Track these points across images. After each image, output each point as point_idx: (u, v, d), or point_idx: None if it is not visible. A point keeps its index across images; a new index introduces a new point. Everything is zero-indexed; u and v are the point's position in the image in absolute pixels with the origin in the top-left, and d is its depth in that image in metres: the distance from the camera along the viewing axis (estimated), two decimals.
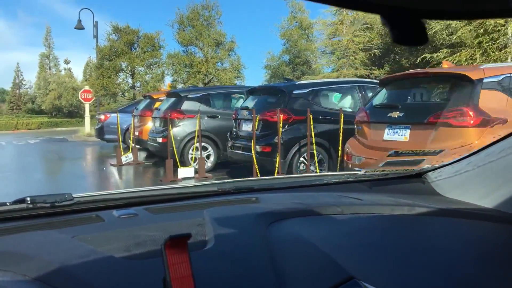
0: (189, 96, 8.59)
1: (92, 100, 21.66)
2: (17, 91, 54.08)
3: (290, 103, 6.49)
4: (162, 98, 10.17)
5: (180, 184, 1.49)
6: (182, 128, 8.38)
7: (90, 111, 20.83)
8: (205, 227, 0.93)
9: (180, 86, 21.02)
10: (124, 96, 21.42)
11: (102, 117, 13.33)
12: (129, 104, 14.63)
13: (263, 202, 1.22)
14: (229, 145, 7.37)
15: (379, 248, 0.92)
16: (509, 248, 0.99)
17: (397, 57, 19.61)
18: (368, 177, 1.52)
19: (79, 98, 21.77)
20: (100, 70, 20.07)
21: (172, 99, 8.83)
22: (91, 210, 1.11)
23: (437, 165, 1.45)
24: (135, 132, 10.17)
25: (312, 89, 6.83)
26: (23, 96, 52.43)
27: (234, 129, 7.44)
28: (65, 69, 44.89)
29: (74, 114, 40.05)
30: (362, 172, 1.60)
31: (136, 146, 9.99)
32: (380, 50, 18.76)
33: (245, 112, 7.12)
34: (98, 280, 0.70)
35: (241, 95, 8.89)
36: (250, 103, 7.33)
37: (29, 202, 1.04)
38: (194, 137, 8.08)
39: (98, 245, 0.83)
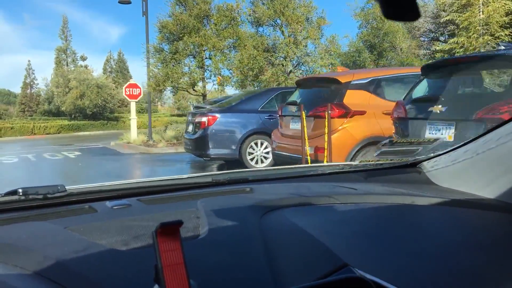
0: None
1: (140, 97, 18.45)
2: (28, 91, 48.70)
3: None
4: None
5: (174, 176, 1.51)
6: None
7: (119, 112, 15.57)
8: (198, 217, 0.98)
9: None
10: (195, 90, 16.00)
11: (204, 119, 9.31)
12: (248, 95, 10.36)
13: (257, 192, 1.28)
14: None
15: (374, 236, 0.97)
16: (509, 237, 1.01)
17: None
18: (363, 167, 1.58)
19: (124, 94, 18.04)
20: (162, 54, 14.48)
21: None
22: (84, 202, 1.15)
23: (432, 154, 1.48)
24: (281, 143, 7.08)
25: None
26: (36, 96, 47.10)
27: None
28: (81, 66, 39.35)
29: (98, 116, 34.55)
30: (357, 162, 1.69)
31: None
32: None
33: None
34: (91, 270, 0.74)
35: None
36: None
37: (21, 193, 1.07)
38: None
39: (91, 235, 0.87)
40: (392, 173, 1.53)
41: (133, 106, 17.74)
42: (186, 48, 15.02)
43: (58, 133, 34.52)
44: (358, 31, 23.58)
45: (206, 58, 15.68)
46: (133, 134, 17.12)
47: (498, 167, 1.22)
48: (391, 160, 1.64)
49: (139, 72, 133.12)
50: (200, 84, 16.69)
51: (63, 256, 0.78)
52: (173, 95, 17.31)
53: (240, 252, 0.84)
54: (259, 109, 8.91)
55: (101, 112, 37.45)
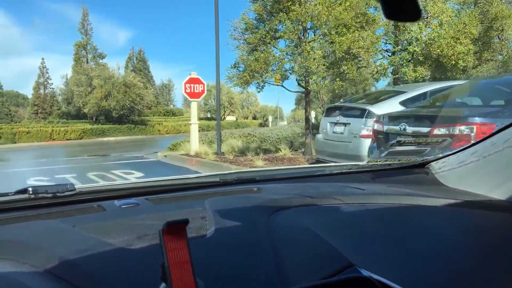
0: None
1: (203, 95, 14.86)
2: (42, 91, 44.91)
3: None
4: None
5: (182, 176, 1.58)
6: None
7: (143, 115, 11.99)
8: (206, 217, 1.03)
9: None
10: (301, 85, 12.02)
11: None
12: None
13: (264, 192, 1.33)
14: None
15: (381, 237, 1.02)
16: None
17: None
18: (371, 168, 1.64)
19: (183, 92, 14.52)
20: (256, 35, 10.22)
21: None
22: (93, 201, 1.20)
23: (440, 155, 1.55)
24: None
25: None
26: (50, 97, 43.36)
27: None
28: (102, 64, 35.45)
29: (124, 119, 30.43)
30: (364, 163, 1.76)
31: None
32: None
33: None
34: (100, 268, 0.78)
35: None
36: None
37: (31, 192, 1.11)
38: None
39: (100, 234, 0.91)
40: (400, 174, 1.59)
41: (194, 107, 14.85)
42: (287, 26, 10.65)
43: (80, 138, 31.16)
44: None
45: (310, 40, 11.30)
46: (194, 143, 14.30)
47: (507, 168, 1.28)
48: (399, 160, 1.69)
49: (159, 74, 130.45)
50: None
51: (72, 254, 0.82)
52: (258, 92, 12.94)
53: (247, 251, 0.89)
54: None
55: (128, 115, 33.29)
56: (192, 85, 14.42)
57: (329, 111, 8.89)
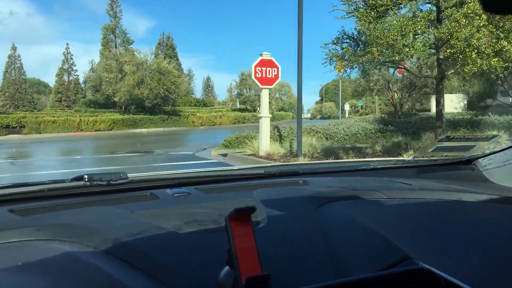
0: None
1: (277, 81, 12.19)
2: (66, 78, 43.10)
3: None
4: None
5: (227, 167, 1.55)
6: None
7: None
8: (256, 207, 0.99)
9: None
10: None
11: None
12: None
13: (310, 185, 1.37)
14: None
15: (430, 231, 1.05)
16: None
17: None
18: (416, 163, 1.68)
19: (253, 77, 11.93)
20: None
21: None
22: (145, 189, 1.27)
23: (487, 151, 1.57)
24: None
25: None
26: (75, 84, 41.51)
27: None
28: (129, 50, 33.03)
29: (156, 109, 27.92)
30: (410, 158, 1.83)
31: None
32: None
33: None
34: (158, 252, 0.83)
35: None
36: None
37: (86, 180, 1.19)
38: None
39: (157, 220, 0.97)
40: (446, 170, 1.60)
41: (266, 96, 12.39)
42: None
43: (110, 129, 28.72)
44: None
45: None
46: (265, 141, 11.97)
47: None
48: (445, 156, 1.72)
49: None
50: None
51: (131, 237, 0.87)
52: (364, 77, 10.14)
53: (300, 241, 0.92)
54: None
55: (161, 105, 30.74)
56: (263, 68, 11.92)
57: None
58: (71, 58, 49.63)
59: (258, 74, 12.28)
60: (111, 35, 41.97)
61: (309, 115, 63.18)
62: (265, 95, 12.65)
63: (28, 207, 1.08)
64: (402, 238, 0.94)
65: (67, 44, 69.57)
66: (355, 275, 0.69)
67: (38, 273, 0.77)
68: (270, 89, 12.73)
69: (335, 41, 10.27)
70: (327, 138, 15.38)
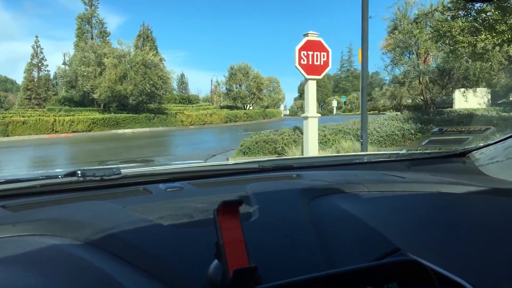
0: None
1: (327, 69, 9.39)
2: (35, 73, 39.53)
3: None
4: None
5: (221, 162, 1.47)
6: None
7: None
8: (249, 201, 1.10)
9: None
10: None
11: None
12: None
13: (304, 178, 1.40)
14: None
15: (423, 224, 1.07)
16: None
17: None
18: (410, 156, 1.69)
19: (296, 65, 8.93)
20: None
21: None
22: (138, 184, 1.30)
23: (481, 144, 1.58)
24: None
25: None
26: (45, 81, 37.98)
27: None
28: (107, 41, 29.85)
29: (140, 107, 24.87)
30: (403, 151, 1.83)
31: None
32: None
33: None
34: (151, 246, 0.85)
35: None
36: None
37: (79, 175, 1.21)
38: None
39: (149, 214, 1.00)
40: (440, 162, 1.63)
41: (313, 89, 9.65)
42: None
43: (89, 130, 25.68)
44: None
45: None
46: (312, 145, 9.55)
47: None
48: (439, 149, 1.77)
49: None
50: None
51: (124, 232, 0.89)
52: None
53: (292, 234, 0.94)
54: None
55: (146, 102, 27.52)
56: (310, 53, 9.27)
57: None
58: (41, 53, 46.44)
59: (303, 61, 9.67)
60: (87, 25, 39.15)
61: (287, 112, 60.89)
62: (312, 88, 10.10)
63: (20, 203, 1.12)
64: (395, 230, 0.98)
65: (37, 37, 65.70)
66: (345, 266, 0.71)
67: (29, 267, 0.79)
68: (318, 79, 10.08)
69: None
70: (358, 140, 13.00)
